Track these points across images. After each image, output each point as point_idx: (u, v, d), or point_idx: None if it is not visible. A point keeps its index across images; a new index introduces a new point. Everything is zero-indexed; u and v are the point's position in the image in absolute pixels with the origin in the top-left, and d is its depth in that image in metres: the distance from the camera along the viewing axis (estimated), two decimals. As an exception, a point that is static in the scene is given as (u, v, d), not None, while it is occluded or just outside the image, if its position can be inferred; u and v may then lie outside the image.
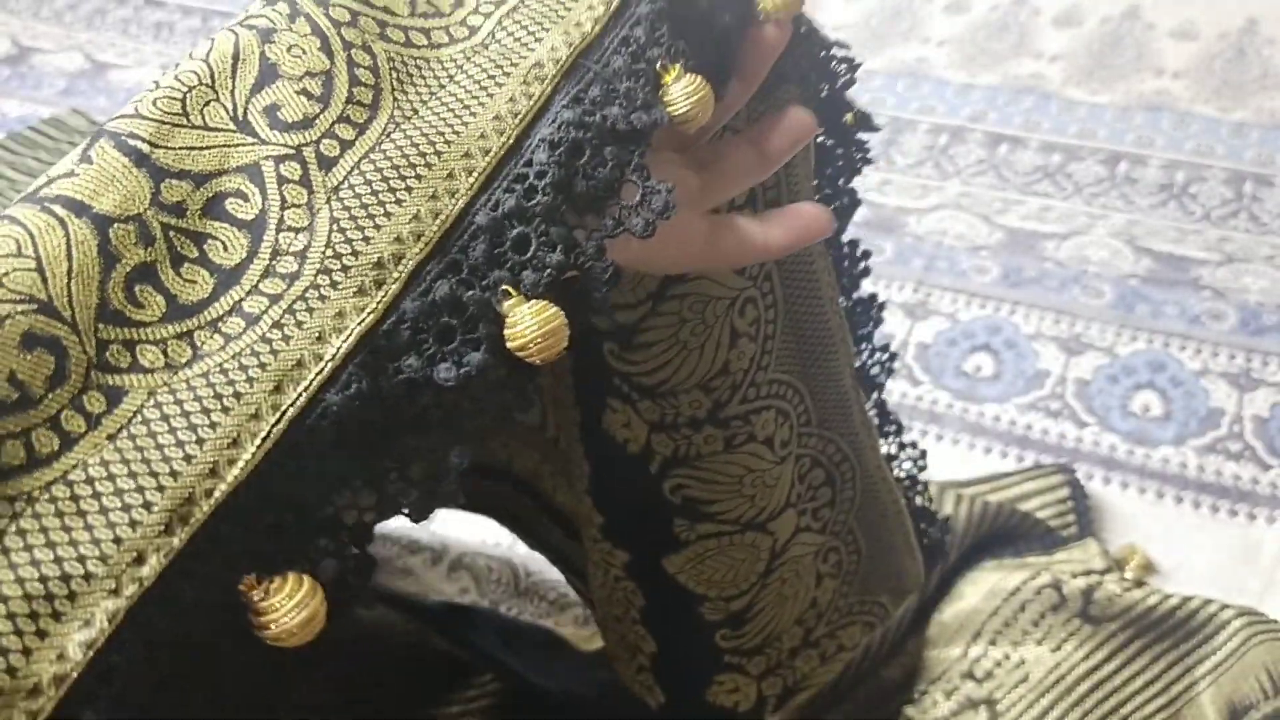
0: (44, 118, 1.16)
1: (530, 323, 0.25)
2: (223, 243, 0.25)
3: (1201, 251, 0.92)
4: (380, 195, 0.26)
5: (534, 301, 0.25)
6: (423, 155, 0.27)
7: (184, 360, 0.24)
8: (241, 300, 0.24)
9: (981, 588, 0.63)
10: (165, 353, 0.24)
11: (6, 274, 0.22)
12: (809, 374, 0.44)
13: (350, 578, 0.25)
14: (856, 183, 0.43)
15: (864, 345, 0.48)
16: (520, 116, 0.28)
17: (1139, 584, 0.64)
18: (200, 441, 0.23)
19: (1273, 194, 0.97)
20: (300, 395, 0.24)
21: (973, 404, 0.82)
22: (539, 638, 0.67)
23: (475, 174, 0.27)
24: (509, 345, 0.25)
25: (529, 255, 0.26)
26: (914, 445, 0.52)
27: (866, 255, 0.45)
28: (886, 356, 0.49)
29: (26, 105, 1.25)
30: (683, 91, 0.29)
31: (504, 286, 0.25)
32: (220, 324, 0.24)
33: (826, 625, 0.49)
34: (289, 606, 0.23)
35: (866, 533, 0.49)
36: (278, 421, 0.23)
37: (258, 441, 0.23)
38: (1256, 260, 0.91)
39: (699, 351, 0.40)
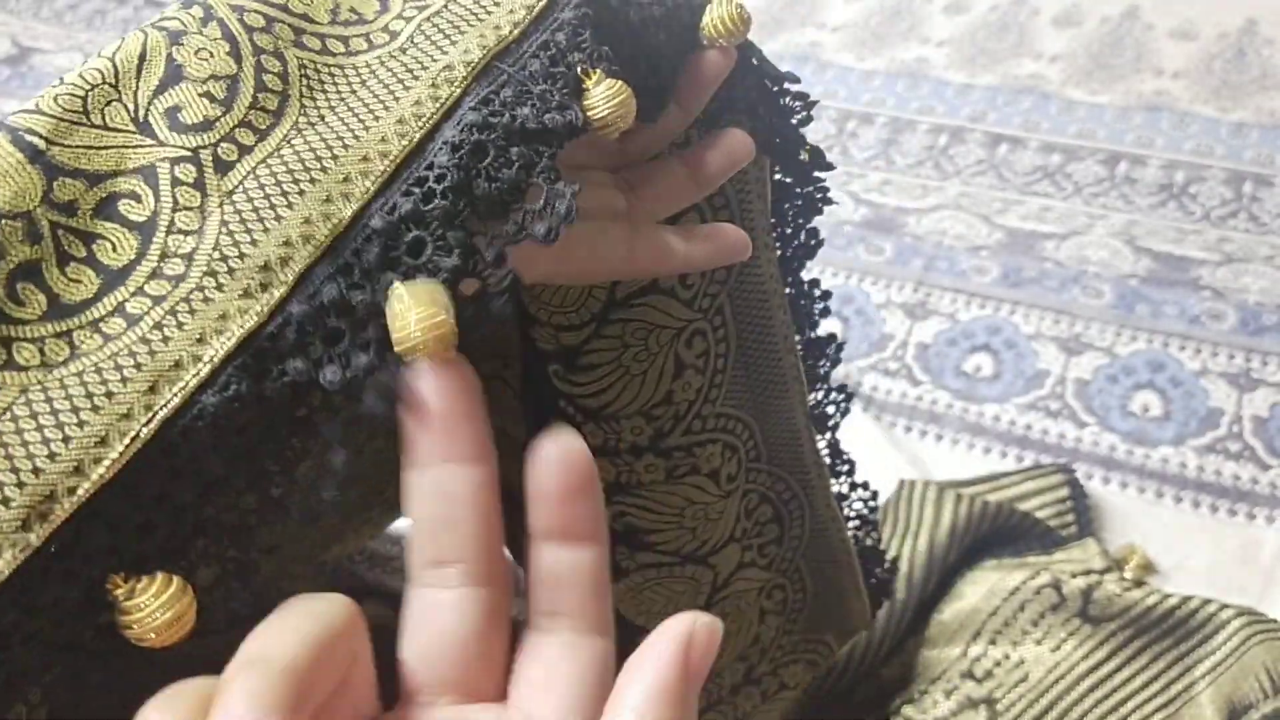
0: (44, 118, 1.17)
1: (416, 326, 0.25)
2: (112, 243, 0.25)
3: (1201, 251, 0.92)
4: (272, 199, 0.25)
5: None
6: (319, 160, 0.26)
7: (60, 359, 0.23)
8: (125, 301, 0.24)
9: (981, 587, 0.63)
10: (42, 351, 0.24)
11: None
12: (760, 410, 0.43)
13: (230, 581, 0.25)
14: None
15: (820, 385, 0.47)
16: (425, 119, 0.27)
17: (1138, 584, 0.65)
18: (66, 440, 0.23)
19: (1272, 194, 0.97)
20: (174, 396, 0.23)
21: (973, 404, 0.82)
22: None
23: (373, 178, 0.26)
24: (396, 349, 0.24)
25: (423, 259, 0.25)
26: (865, 486, 0.51)
27: (826, 296, 0.44)
28: (843, 397, 0.48)
29: (27, 105, 1.25)
30: (603, 95, 0.28)
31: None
32: (101, 324, 0.24)
33: (770, 662, 0.48)
34: (154, 606, 0.22)
35: (813, 572, 0.48)
36: (149, 421, 0.23)
37: (126, 441, 0.23)
38: (1256, 260, 0.91)
39: (641, 378, 0.39)
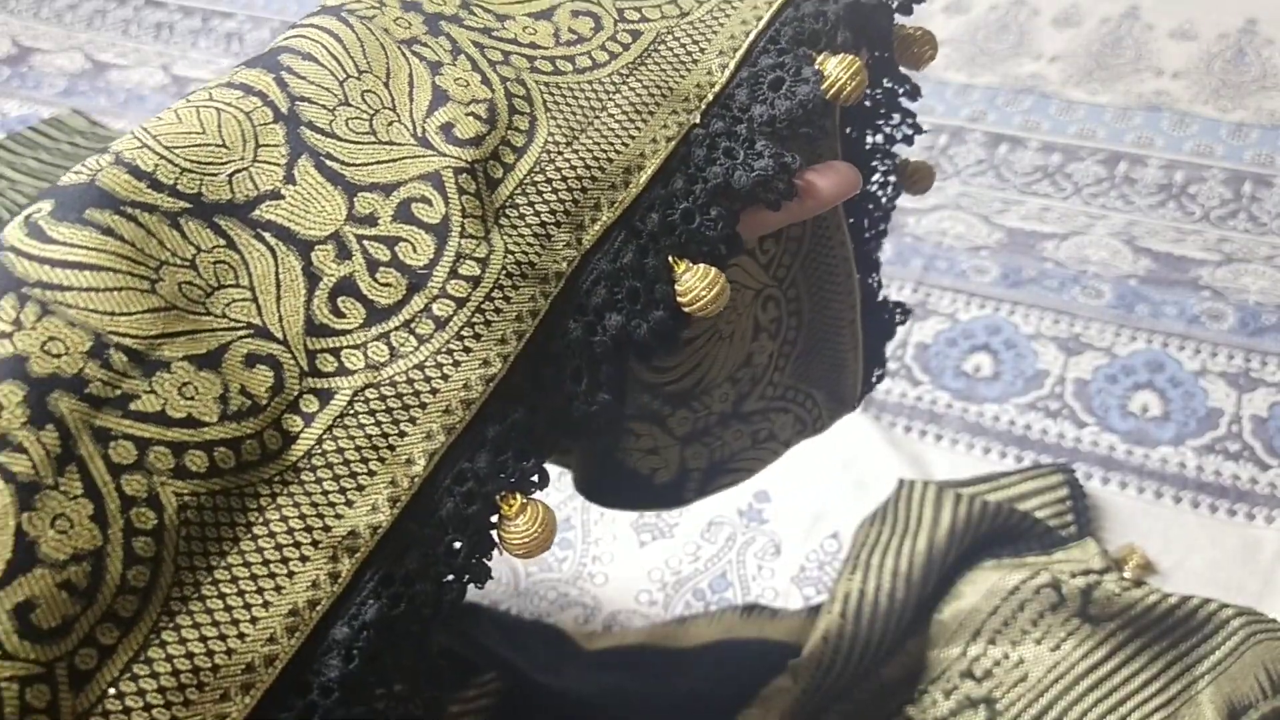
0: (44, 118, 1.16)
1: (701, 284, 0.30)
2: (411, 244, 0.28)
3: (1201, 251, 0.92)
4: (543, 216, 0.29)
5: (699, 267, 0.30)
6: (588, 171, 0.30)
7: (383, 360, 0.27)
8: (430, 303, 0.27)
9: (981, 587, 0.63)
10: (366, 354, 0.27)
11: (230, 304, 0.26)
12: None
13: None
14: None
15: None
16: (665, 144, 0.32)
17: (1138, 583, 0.65)
18: (402, 435, 0.27)
19: (1272, 194, 0.97)
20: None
21: (972, 404, 0.82)
22: (544, 635, 0.67)
23: (645, 171, 0.31)
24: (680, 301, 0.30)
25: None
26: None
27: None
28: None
29: (26, 105, 1.25)
30: (838, 64, 0.33)
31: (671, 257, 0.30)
32: (414, 325, 0.27)
33: (760, 400, 0.49)
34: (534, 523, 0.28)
35: (811, 297, 0.49)
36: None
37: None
38: (1256, 260, 0.91)
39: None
